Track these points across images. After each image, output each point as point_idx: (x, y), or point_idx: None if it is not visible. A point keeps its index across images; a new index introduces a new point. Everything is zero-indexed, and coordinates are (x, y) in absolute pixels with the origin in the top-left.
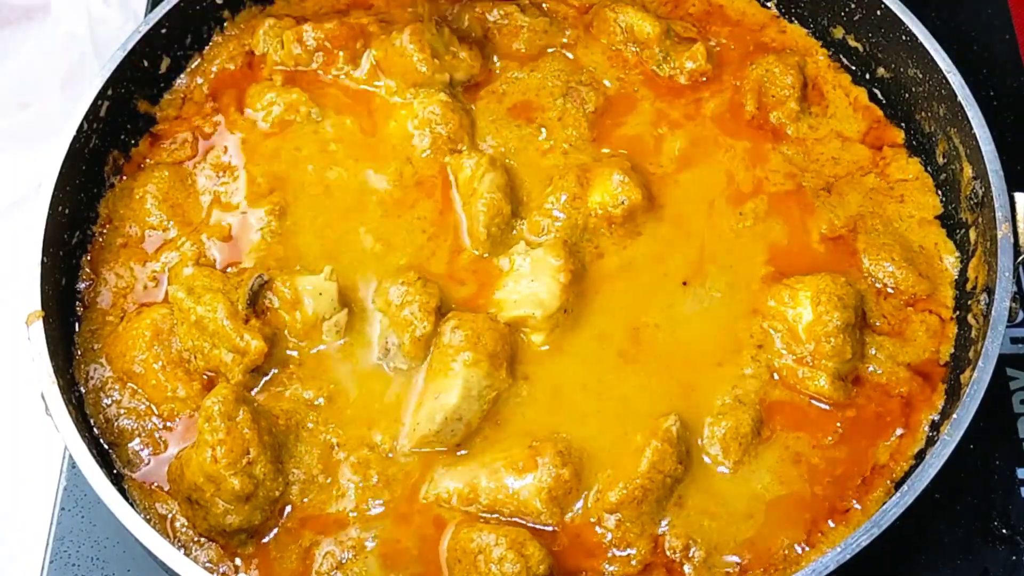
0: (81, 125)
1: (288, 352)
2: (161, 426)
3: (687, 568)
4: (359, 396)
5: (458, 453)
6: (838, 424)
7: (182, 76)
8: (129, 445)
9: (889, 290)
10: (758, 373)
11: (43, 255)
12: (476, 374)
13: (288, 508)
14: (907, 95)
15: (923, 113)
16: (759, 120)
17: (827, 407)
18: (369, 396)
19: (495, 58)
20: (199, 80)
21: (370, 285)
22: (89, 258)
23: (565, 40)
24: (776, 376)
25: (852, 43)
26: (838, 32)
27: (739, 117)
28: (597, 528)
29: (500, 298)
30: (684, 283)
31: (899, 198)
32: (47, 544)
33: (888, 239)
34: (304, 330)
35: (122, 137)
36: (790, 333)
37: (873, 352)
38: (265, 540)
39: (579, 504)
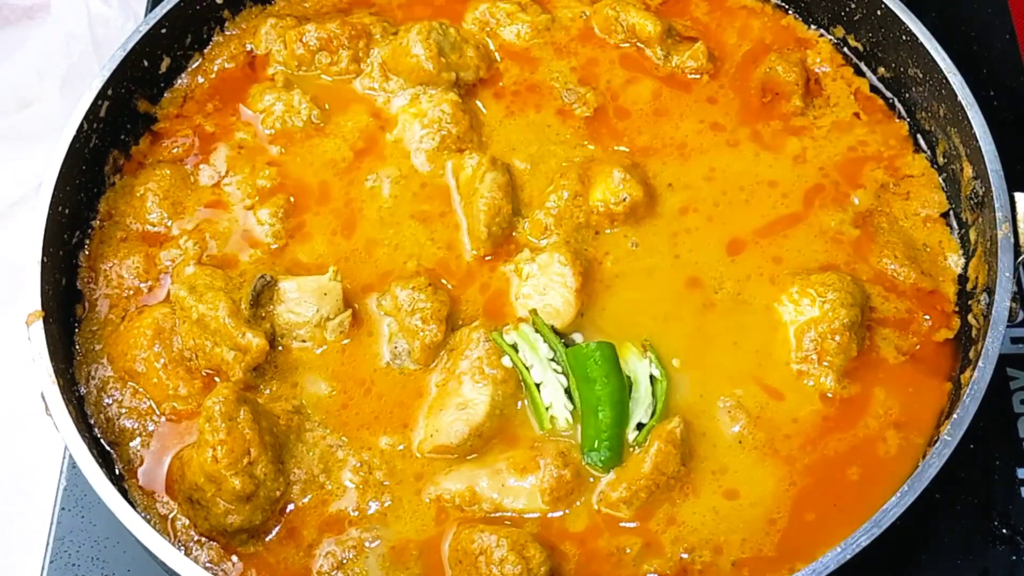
0: (81, 125)
1: (290, 352)
2: (162, 425)
3: (695, 564)
4: (362, 397)
5: (466, 457)
6: (843, 420)
7: (183, 76)
8: (130, 445)
9: (892, 287)
10: (765, 371)
11: (43, 255)
12: (503, 392)
13: (289, 508)
14: (907, 95)
15: (923, 113)
16: (763, 117)
17: (833, 402)
18: (372, 397)
19: (498, 57)
20: (200, 79)
21: (374, 286)
22: (88, 253)
23: (567, 38)
24: (783, 373)
25: (852, 42)
26: (838, 31)
27: (743, 114)
28: (599, 528)
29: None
30: (690, 280)
31: (905, 195)
32: (47, 544)
33: (892, 237)
34: (308, 330)
35: (122, 137)
36: (796, 330)
37: (878, 348)
38: (266, 540)
39: (581, 505)
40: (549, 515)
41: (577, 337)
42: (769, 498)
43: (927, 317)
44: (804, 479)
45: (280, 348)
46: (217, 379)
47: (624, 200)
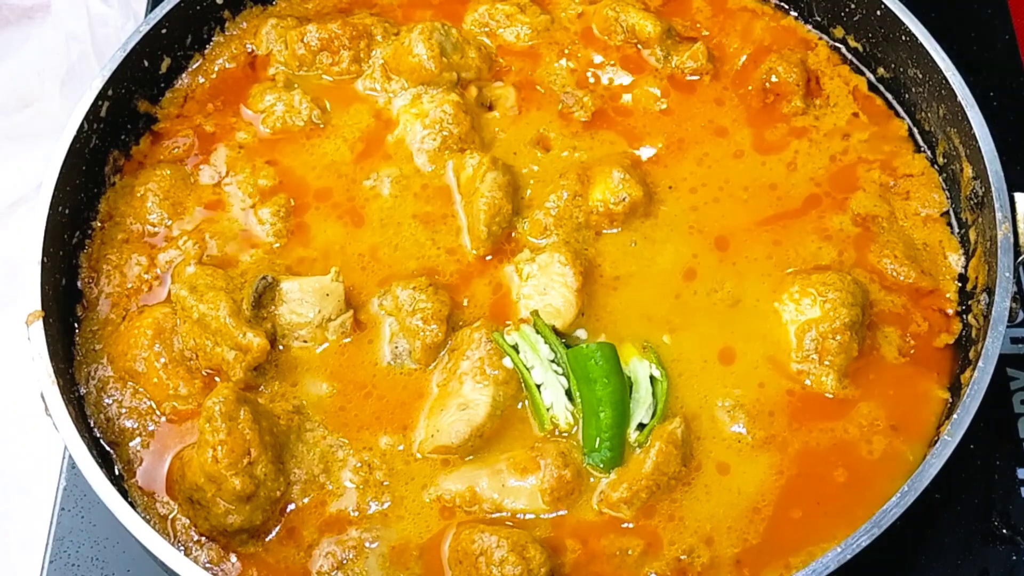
0: (81, 125)
1: (291, 352)
2: (162, 425)
3: (695, 567)
4: (362, 397)
5: (466, 458)
6: (842, 420)
7: (183, 76)
8: (130, 445)
9: (892, 287)
10: (764, 370)
11: (43, 255)
12: (504, 393)
13: (289, 508)
14: (907, 95)
15: (923, 113)
16: (764, 117)
17: (833, 402)
18: (373, 397)
19: (499, 57)
20: (200, 80)
21: (375, 287)
22: (89, 253)
23: (566, 38)
24: (782, 373)
25: (852, 43)
26: (838, 32)
27: (744, 114)
28: (600, 529)
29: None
30: (691, 281)
31: (904, 194)
32: (47, 544)
33: (892, 236)
34: (309, 331)
35: (122, 137)
36: (797, 330)
37: (878, 348)
38: (266, 540)
39: (582, 505)
40: (550, 515)
41: (580, 334)
42: (753, 486)
43: (926, 321)
44: (793, 469)
45: (281, 348)
46: (217, 379)
47: (623, 200)
